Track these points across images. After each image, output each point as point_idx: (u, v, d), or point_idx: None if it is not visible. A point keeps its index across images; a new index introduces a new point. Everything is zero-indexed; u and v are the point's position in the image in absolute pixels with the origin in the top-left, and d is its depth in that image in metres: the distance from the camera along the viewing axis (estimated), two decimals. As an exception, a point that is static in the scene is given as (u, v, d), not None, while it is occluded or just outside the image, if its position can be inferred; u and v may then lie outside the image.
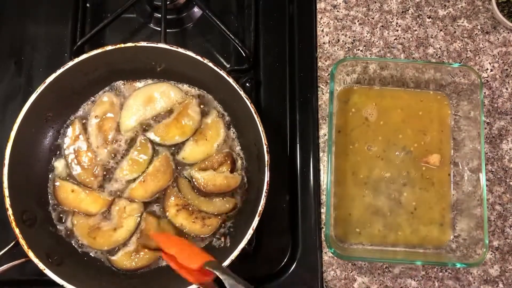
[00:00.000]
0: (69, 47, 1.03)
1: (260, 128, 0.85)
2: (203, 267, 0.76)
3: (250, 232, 0.82)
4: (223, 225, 0.93)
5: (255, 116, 0.85)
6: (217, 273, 0.74)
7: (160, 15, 1.00)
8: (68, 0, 1.05)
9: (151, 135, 0.94)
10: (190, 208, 0.92)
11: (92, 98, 0.96)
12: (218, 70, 0.87)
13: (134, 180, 0.93)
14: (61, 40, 1.04)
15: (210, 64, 0.87)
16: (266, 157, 0.84)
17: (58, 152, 0.94)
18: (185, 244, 0.85)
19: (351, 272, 0.97)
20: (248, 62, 1.02)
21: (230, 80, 0.87)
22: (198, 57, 0.87)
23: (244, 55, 1.00)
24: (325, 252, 0.97)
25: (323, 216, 0.98)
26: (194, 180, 0.92)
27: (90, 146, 0.94)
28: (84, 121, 0.95)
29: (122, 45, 0.87)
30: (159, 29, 0.96)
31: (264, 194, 0.83)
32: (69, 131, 0.94)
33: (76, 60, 0.87)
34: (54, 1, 1.06)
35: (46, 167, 0.93)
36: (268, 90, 1.03)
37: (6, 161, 0.84)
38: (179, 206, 0.92)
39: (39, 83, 1.01)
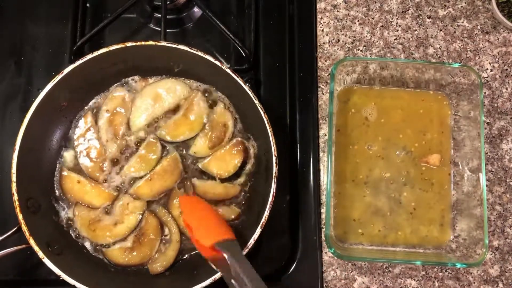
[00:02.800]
0: (69, 47, 1.03)
1: (272, 140, 0.85)
2: (214, 246, 0.76)
3: (251, 242, 0.82)
4: None
5: (268, 126, 0.85)
6: (226, 257, 0.74)
7: (160, 15, 1.00)
8: (68, 0, 1.05)
9: (161, 133, 0.94)
10: None
11: (107, 92, 0.96)
12: (235, 77, 0.87)
13: (141, 178, 0.93)
14: (61, 40, 1.04)
15: (228, 71, 0.87)
16: (274, 169, 0.84)
17: (68, 143, 0.94)
18: (207, 216, 0.84)
19: (351, 272, 0.97)
20: (248, 62, 1.02)
21: (246, 88, 0.87)
22: (217, 62, 0.87)
23: (244, 55, 1.00)
24: (325, 252, 0.97)
25: (323, 216, 0.98)
26: (194, 187, 0.92)
27: (100, 140, 0.94)
28: (96, 114, 0.95)
29: (143, 43, 0.88)
30: (159, 29, 0.96)
31: (268, 206, 0.83)
32: (81, 122, 0.95)
33: (96, 53, 0.87)
34: (54, 1, 1.06)
35: (55, 156, 0.94)
36: (268, 90, 1.03)
37: (17, 147, 0.84)
38: None
39: (39, 83, 1.02)
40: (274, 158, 0.85)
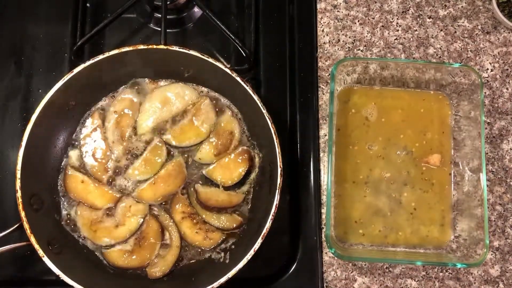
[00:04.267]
0: (69, 47, 1.03)
1: (278, 150, 0.85)
2: None
3: (251, 253, 0.82)
4: (225, 240, 0.92)
5: (274, 137, 0.85)
6: None
7: (160, 15, 1.00)
8: (68, 0, 1.05)
9: (168, 137, 0.94)
10: (195, 220, 0.92)
11: (115, 93, 0.96)
12: (244, 85, 0.87)
13: (145, 181, 0.93)
14: (61, 40, 1.04)
15: (238, 79, 0.87)
16: (279, 180, 0.84)
17: (75, 142, 0.94)
18: None
19: (352, 272, 0.97)
20: (248, 62, 1.02)
21: (255, 97, 0.87)
22: (227, 70, 0.87)
23: (244, 55, 1.00)
24: (326, 253, 0.97)
25: (323, 216, 0.98)
26: (197, 193, 0.92)
27: (106, 140, 0.94)
28: (103, 114, 0.95)
29: (154, 46, 0.88)
30: (159, 29, 0.96)
31: (271, 217, 0.83)
32: (88, 122, 0.95)
33: (107, 54, 0.87)
34: (54, 1, 1.06)
35: (61, 154, 0.94)
36: (268, 90, 1.03)
37: (23, 143, 0.84)
38: (185, 214, 0.92)
39: (39, 83, 1.02)
40: (279, 170, 0.84)
